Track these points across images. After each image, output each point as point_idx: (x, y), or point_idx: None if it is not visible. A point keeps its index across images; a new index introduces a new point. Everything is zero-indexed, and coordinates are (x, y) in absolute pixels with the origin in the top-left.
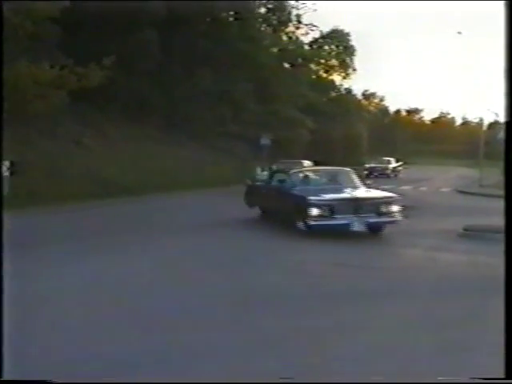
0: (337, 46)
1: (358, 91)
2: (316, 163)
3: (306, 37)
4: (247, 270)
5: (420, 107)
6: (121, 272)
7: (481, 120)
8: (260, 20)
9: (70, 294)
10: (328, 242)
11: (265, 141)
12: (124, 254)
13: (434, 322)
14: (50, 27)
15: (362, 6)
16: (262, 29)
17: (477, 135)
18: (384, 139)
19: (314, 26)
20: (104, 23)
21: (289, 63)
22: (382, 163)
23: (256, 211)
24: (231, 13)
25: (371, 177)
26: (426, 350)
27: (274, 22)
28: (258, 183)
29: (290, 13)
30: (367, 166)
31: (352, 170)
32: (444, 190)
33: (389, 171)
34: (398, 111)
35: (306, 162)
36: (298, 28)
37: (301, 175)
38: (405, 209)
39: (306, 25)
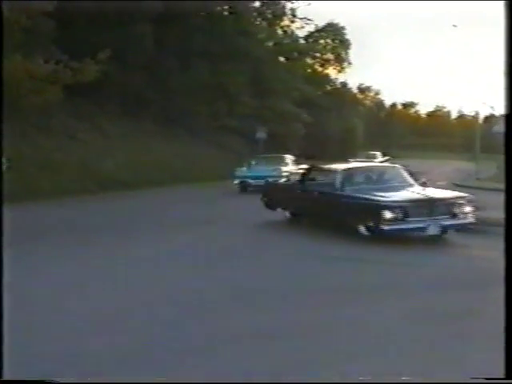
0: (332, 40)
1: (353, 85)
2: (296, 156)
3: (301, 31)
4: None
5: (416, 101)
6: (117, 267)
7: (476, 113)
8: (255, 14)
9: (67, 291)
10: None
11: (260, 135)
12: (120, 248)
13: (431, 317)
14: (44, 22)
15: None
16: (257, 23)
17: (472, 129)
18: (380, 133)
19: (309, 19)
20: (99, 18)
21: (284, 57)
22: (368, 157)
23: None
24: (226, 7)
25: None
26: (424, 346)
27: (269, 16)
28: (283, 182)
29: (284, 7)
30: (351, 160)
31: (401, 167)
32: (440, 183)
33: None
34: (393, 105)
35: (289, 156)
36: (293, 22)
37: (346, 174)
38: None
39: (301, 19)
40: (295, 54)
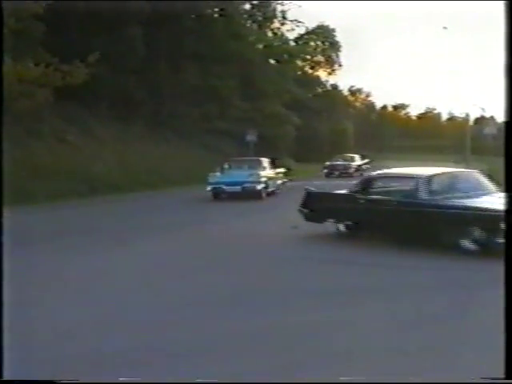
0: (322, 42)
1: (344, 87)
2: (273, 161)
3: (292, 33)
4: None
5: (406, 103)
6: (109, 269)
7: (467, 115)
8: (245, 16)
9: (63, 293)
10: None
11: (251, 137)
12: (111, 251)
13: (419, 317)
14: (34, 25)
15: (347, 1)
16: (248, 25)
17: (463, 130)
18: (370, 135)
19: (300, 22)
20: (89, 20)
21: (274, 59)
22: (345, 160)
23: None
24: (216, 9)
25: (332, 176)
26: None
27: (259, 19)
28: (335, 192)
29: (274, 9)
30: (327, 163)
31: (479, 172)
32: None
33: (352, 170)
34: (384, 107)
35: (265, 159)
36: (283, 24)
37: (433, 180)
38: None
39: (292, 21)
40: (286, 57)
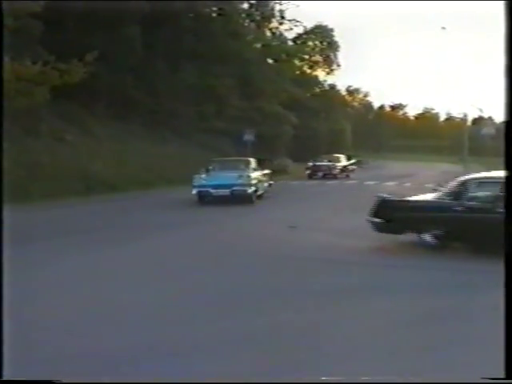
0: (320, 42)
1: (341, 87)
2: (259, 161)
3: (290, 32)
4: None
5: (404, 103)
6: (106, 269)
7: (465, 115)
8: (243, 16)
9: (61, 292)
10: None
11: (248, 136)
12: (109, 250)
13: (419, 317)
14: (31, 23)
15: (345, 1)
16: (246, 24)
17: (461, 131)
18: (368, 135)
19: (298, 21)
20: (87, 19)
21: (273, 59)
22: (331, 160)
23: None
24: (214, 8)
25: (315, 177)
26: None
27: (258, 18)
28: (421, 199)
29: (273, 8)
30: (310, 164)
31: None
32: (428, 185)
33: (336, 171)
34: (381, 107)
35: (252, 160)
36: (281, 24)
37: None
38: None
39: (290, 20)
40: (284, 56)
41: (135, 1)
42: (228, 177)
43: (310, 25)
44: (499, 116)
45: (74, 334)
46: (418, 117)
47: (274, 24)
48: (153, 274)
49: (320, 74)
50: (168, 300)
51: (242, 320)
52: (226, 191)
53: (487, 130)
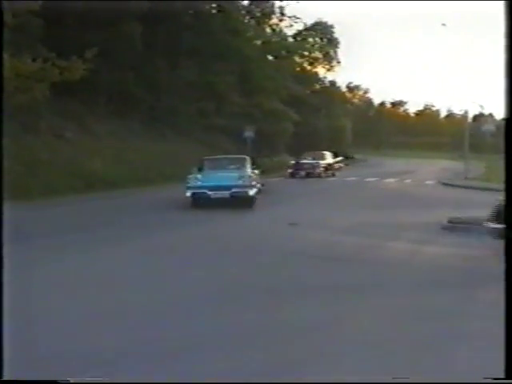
0: (321, 39)
1: (342, 83)
2: (252, 159)
3: (290, 29)
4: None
5: (404, 99)
6: (105, 267)
7: (465, 112)
8: (243, 12)
9: (60, 292)
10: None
11: (248, 133)
12: (108, 248)
13: (419, 316)
14: (31, 20)
15: None
16: (246, 21)
17: (461, 127)
18: (368, 131)
19: (298, 18)
20: (87, 16)
21: (273, 55)
22: (316, 158)
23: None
24: (214, 5)
25: (297, 176)
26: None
27: (258, 14)
28: None
29: (273, 5)
30: (292, 162)
31: None
32: (429, 182)
33: (320, 169)
34: (382, 103)
35: (248, 158)
36: (281, 20)
37: None
38: None
39: (290, 17)
40: (284, 53)
41: None
42: (227, 177)
43: (310, 21)
44: (500, 113)
45: (73, 333)
46: (419, 113)
47: (274, 21)
48: (152, 272)
49: (320, 70)
50: (168, 298)
51: (240, 318)
52: (225, 193)
53: (488, 127)
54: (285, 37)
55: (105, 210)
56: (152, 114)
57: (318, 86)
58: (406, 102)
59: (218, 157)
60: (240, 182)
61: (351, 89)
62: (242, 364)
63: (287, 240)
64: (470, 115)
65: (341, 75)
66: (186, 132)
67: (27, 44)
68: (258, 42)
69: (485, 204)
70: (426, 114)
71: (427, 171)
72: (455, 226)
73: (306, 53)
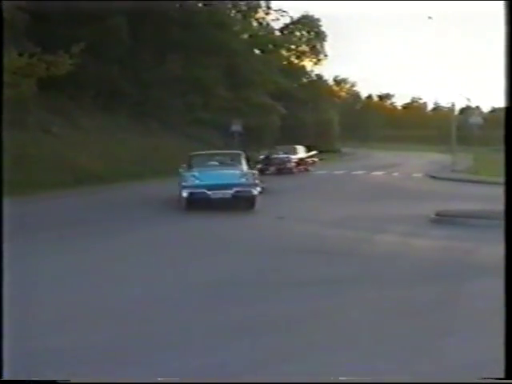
0: (308, 32)
1: (329, 77)
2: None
3: (277, 23)
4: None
5: (391, 92)
6: (97, 263)
7: (452, 105)
8: (229, 6)
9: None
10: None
11: (236, 127)
12: (99, 243)
13: (408, 309)
14: (17, 15)
15: None
16: (232, 15)
17: (448, 120)
18: (356, 125)
19: (284, 11)
20: (73, 10)
21: (259, 49)
22: (288, 152)
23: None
24: None
25: (267, 173)
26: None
27: (244, 8)
28: None
29: None
30: (261, 156)
31: None
32: (416, 175)
33: (291, 164)
34: (369, 96)
35: (243, 153)
36: (267, 14)
37: None
38: None
39: (276, 10)
40: (271, 46)
41: None
42: (228, 174)
43: (296, 15)
44: (487, 105)
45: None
46: (406, 106)
47: (261, 14)
48: (145, 267)
49: (307, 64)
50: (158, 293)
51: (227, 313)
52: (227, 192)
53: (475, 120)
54: (271, 30)
55: (93, 205)
56: (139, 109)
57: (305, 80)
58: (393, 95)
59: (210, 152)
60: (243, 181)
61: (338, 82)
62: (230, 358)
63: (275, 233)
64: (457, 108)
65: (328, 69)
66: (173, 126)
67: (13, 39)
68: (245, 36)
69: (472, 197)
70: (413, 107)
71: (415, 164)
72: (443, 219)
73: (293, 46)
